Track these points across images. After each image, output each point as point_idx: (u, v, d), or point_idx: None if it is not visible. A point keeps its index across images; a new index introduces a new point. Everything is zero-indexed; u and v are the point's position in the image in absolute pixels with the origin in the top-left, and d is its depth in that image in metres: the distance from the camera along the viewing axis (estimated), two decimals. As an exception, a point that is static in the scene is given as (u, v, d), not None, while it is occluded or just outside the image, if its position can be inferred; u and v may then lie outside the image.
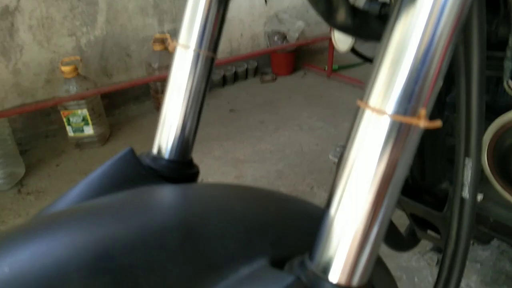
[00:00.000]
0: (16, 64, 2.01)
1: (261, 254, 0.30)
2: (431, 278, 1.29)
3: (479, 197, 0.71)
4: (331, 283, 0.27)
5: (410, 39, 0.24)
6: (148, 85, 2.40)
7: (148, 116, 2.39)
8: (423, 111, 0.24)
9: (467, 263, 1.33)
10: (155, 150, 0.43)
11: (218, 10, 0.40)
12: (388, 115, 0.25)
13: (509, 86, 0.46)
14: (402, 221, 0.95)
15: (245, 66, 2.77)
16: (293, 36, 2.71)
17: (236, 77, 2.77)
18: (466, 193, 0.36)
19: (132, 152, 0.40)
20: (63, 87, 1.93)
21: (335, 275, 0.27)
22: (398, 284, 1.37)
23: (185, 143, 0.43)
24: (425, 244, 1.38)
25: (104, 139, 2.11)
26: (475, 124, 0.33)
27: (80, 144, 2.05)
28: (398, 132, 0.25)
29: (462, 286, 1.26)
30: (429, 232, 0.83)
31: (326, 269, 0.28)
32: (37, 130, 2.17)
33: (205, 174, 1.84)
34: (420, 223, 0.81)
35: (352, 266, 0.27)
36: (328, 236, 0.28)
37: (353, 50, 0.63)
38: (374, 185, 0.26)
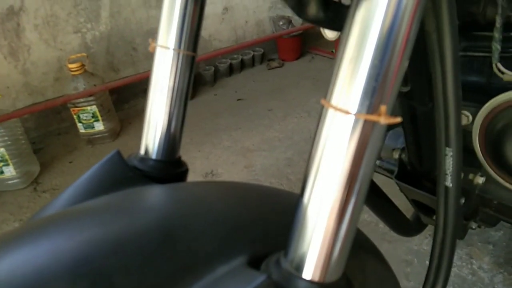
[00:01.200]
0: (24, 64, 2.04)
1: (240, 253, 0.30)
2: (442, 260, 1.28)
3: (481, 180, 0.70)
4: (304, 280, 0.28)
5: (367, 38, 0.24)
6: (155, 78, 2.41)
7: (157, 109, 2.41)
8: (383, 108, 0.24)
9: (479, 244, 1.32)
10: (142, 151, 0.43)
11: (194, 9, 0.40)
12: (350, 113, 0.25)
13: (498, 68, 0.45)
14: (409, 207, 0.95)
15: (251, 53, 2.76)
16: (298, 20, 2.68)
17: (242, 65, 2.76)
18: (449, 182, 0.36)
19: (118, 154, 0.41)
20: (71, 84, 1.96)
21: (308, 272, 0.28)
22: (409, 267, 1.36)
23: (171, 142, 0.43)
24: (436, 226, 1.37)
25: (115, 134, 2.14)
26: (453, 114, 0.33)
27: (92, 140, 2.08)
28: (361, 129, 0.25)
29: (475, 268, 1.25)
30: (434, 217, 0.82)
31: (299, 266, 0.28)
32: (49, 128, 2.21)
33: (215, 164, 1.86)
34: (423, 208, 0.81)
35: (325, 262, 0.28)
36: (301, 234, 0.28)
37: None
38: (341, 182, 0.26)
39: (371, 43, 0.24)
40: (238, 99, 2.43)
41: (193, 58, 0.42)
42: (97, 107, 2.00)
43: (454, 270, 1.24)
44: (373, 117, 0.24)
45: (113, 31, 2.25)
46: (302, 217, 0.28)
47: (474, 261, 1.27)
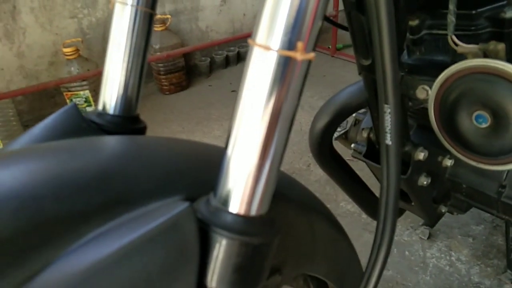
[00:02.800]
0: (20, 47, 2.05)
1: (175, 193, 0.32)
2: (422, 252, 1.29)
3: (449, 162, 0.72)
4: (230, 213, 0.29)
5: None
6: (150, 66, 2.42)
7: (151, 98, 2.42)
8: (300, 44, 0.25)
9: (459, 237, 1.33)
10: (100, 106, 0.44)
11: (153, -34, 0.41)
12: (271, 49, 0.26)
13: (452, 41, 0.46)
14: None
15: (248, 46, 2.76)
16: (296, 15, 2.68)
17: (239, 58, 2.77)
18: (389, 140, 0.37)
19: (75, 107, 0.42)
20: (65, 68, 1.97)
21: (234, 206, 0.29)
22: (389, 257, 1.38)
23: (129, 99, 0.44)
24: (418, 219, 1.38)
25: (107, 119, 2.15)
26: (389, 70, 0.34)
27: (84, 124, 2.09)
28: (282, 66, 0.26)
29: (453, 260, 1.26)
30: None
31: (226, 201, 0.29)
32: (43, 112, 2.22)
33: (204, 152, 1.87)
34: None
35: (249, 197, 0.29)
36: (227, 171, 0.29)
37: (325, 18, 0.63)
38: (264, 118, 0.27)
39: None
40: (233, 91, 2.44)
41: (151, 15, 0.43)
42: (90, 92, 2.01)
43: (432, 261, 1.26)
44: (291, 53, 0.25)
45: (110, 18, 2.25)
46: (229, 155, 0.29)
47: (453, 253, 1.28)
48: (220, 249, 0.28)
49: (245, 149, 0.28)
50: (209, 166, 0.37)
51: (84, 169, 0.31)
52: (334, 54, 2.76)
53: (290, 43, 0.25)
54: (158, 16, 2.32)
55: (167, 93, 2.43)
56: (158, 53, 2.26)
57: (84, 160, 0.32)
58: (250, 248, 0.28)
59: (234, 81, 2.56)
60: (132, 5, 0.41)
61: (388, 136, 0.37)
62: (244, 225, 0.28)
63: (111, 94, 0.44)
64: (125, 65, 0.43)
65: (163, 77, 2.38)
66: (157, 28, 2.26)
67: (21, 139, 0.39)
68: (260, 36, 0.26)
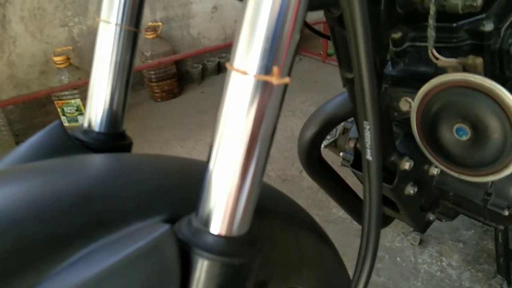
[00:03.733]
0: (10, 56, 2.04)
1: (157, 213, 0.32)
2: (413, 258, 1.30)
3: (435, 171, 0.72)
4: (211, 234, 0.29)
5: (262, 3, 0.25)
6: (142, 73, 2.42)
7: (143, 105, 2.42)
8: (275, 69, 0.26)
9: (450, 243, 1.34)
10: (85, 124, 0.44)
11: (136, -15, 0.42)
12: (248, 74, 0.26)
13: (433, 55, 0.47)
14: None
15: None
16: (287, 21, 2.70)
17: (231, 65, 2.78)
18: (369, 156, 0.38)
19: (60, 125, 0.42)
20: (56, 77, 1.96)
21: (215, 227, 0.29)
22: (380, 263, 1.39)
23: (114, 116, 0.44)
24: (409, 225, 1.39)
25: (99, 128, 2.15)
26: (367, 88, 0.35)
27: (75, 133, 2.09)
28: (259, 90, 0.26)
29: (444, 266, 1.27)
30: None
31: (207, 222, 0.29)
32: (34, 121, 2.21)
33: (196, 160, 1.87)
34: (384, 199, 0.83)
35: (230, 217, 0.29)
36: (208, 191, 0.29)
37: (307, 26, 0.64)
38: (243, 140, 0.28)
39: (266, 6, 0.26)
40: (224, 97, 2.44)
41: (135, 34, 0.43)
42: (82, 100, 2.01)
43: (423, 267, 1.26)
44: (267, 78, 0.26)
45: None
46: (210, 176, 0.29)
47: (444, 259, 1.29)
48: (202, 270, 0.28)
49: (225, 170, 0.29)
50: (192, 183, 0.37)
51: (66, 190, 0.31)
52: (325, 60, 2.77)
53: (266, 68, 0.26)
54: (149, 24, 2.32)
55: (159, 100, 2.44)
56: (150, 61, 2.26)
57: (66, 181, 0.33)
58: (231, 269, 0.29)
59: (226, 87, 2.57)
60: (116, 24, 0.42)
61: (368, 151, 0.38)
62: (225, 245, 0.29)
63: (96, 111, 0.44)
64: (110, 83, 0.43)
65: (155, 84, 2.38)
66: (148, 35, 2.27)
67: (6, 159, 0.39)
68: (237, 61, 0.27)
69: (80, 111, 2.03)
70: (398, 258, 1.30)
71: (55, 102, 2.01)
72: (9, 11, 1.96)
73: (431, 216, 0.82)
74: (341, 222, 1.46)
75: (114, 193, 0.32)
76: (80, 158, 0.38)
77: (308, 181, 1.69)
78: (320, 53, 2.81)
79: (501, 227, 0.87)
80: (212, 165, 0.29)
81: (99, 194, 0.32)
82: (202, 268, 0.28)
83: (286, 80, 0.26)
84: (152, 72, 2.34)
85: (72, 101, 2.00)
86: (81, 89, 2.00)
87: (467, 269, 1.24)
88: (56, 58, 1.94)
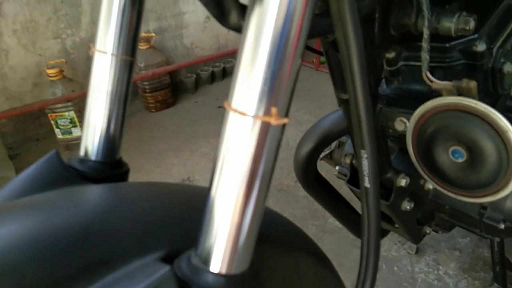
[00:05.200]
0: (2, 69, 2.03)
1: (156, 249, 0.32)
2: (410, 267, 1.30)
3: (431, 185, 0.73)
4: (211, 273, 0.29)
5: (260, 44, 0.26)
6: (136, 84, 2.42)
7: (137, 116, 2.42)
8: (274, 110, 0.26)
9: (446, 251, 1.35)
10: (82, 152, 0.44)
11: (132, 15, 0.41)
12: (247, 115, 0.26)
13: (427, 77, 0.48)
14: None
15: (233, 61, 2.78)
16: (280, 30, 2.71)
17: (224, 73, 2.79)
18: (367, 183, 0.38)
19: (56, 155, 0.42)
20: (49, 90, 1.95)
21: (215, 265, 0.29)
22: (378, 273, 1.39)
23: (110, 144, 0.44)
24: (405, 233, 1.40)
25: (93, 139, 2.14)
26: (364, 120, 0.35)
27: (70, 146, 2.08)
28: (257, 130, 0.27)
29: (441, 274, 1.27)
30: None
31: (207, 260, 0.29)
32: (27, 134, 2.20)
33: (192, 171, 1.87)
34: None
35: (230, 255, 0.29)
36: (208, 230, 0.29)
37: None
38: (242, 179, 0.28)
39: (264, 48, 0.26)
40: (219, 107, 2.45)
41: (131, 62, 0.43)
42: (75, 112, 2.00)
43: (421, 276, 1.27)
44: (265, 118, 0.26)
45: (94, 37, 2.25)
46: (209, 214, 0.29)
47: (440, 267, 1.29)
48: (202, 309, 0.28)
49: (225, 208, 0.29)
50: (190, 215, 0.37)
51: (64, 228, 0.31)
52: (319, 68, 2.79)
53: (265, 109, 0.26)
54: (143, 34, 2.32)
55: (153, 110, 2.43)
56: (143, 72, 2.26)
57: (64, 218, 0.32)
58: (232, 307, 0.29)
59: (220, 96, 2.57)
60: (112, 54, 0.42)
61: (366, 179, 0.38)
62: (226, 285, 0.29)
63: (93, 140, 0.44)
64: (106, 112, 0.43)
65: (149, 95, 2.38)
66: (141, 46, 2.26)
67: (3, 192, 0.39)
68: (236, 101, 0.27)
69: (74, 123, 2.02)
70: (395, 268, 1.30)
71: (49, 114, 2.00)
72: (1, 24, 1.95)
73: (427, 229, 0.83)
74: (338, 232, 1.46)
75: (113, 229, 0.32)
76: (76, 191, 0.37)
77: (304, 191, 1.68)
78: (313, 61, 2.82)
79: (498, 239, 0.87)
80: (211, 201, 0.29)
81: (98, 231, 0.32)
82: (202, 307, 0.28)
83: (285, 120, 0.26)
84: (146, 83, 2.34)
85: (66, 113, 1.99)
86: (75, 101, 1.99)
87: (464, 277, 1.25)
88: (49, 71, 1.93)
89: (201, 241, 0.30)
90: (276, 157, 0.29)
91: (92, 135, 0.44)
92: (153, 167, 1.91)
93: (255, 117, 0.26)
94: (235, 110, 0.27)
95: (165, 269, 0.28)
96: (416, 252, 1.35)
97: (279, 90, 0.26)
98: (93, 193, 0.37)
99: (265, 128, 0.27)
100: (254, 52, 0.26)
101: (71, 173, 0.42)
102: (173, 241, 0.33)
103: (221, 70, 2.74)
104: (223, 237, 0.29)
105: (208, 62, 2.69)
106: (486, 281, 1.22)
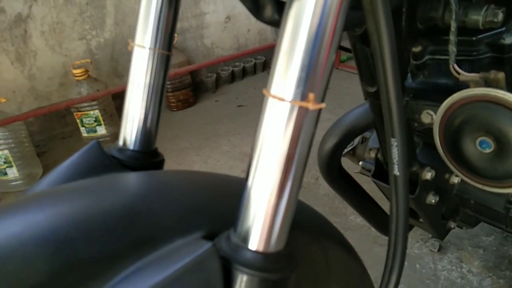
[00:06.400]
0: (31, 69, 2.10)
1: (197, 229, 0.34)
2: (432, 265, 1.29)
3: (456, 179, 0.73)
4: (250, 250, 0.31)
5: (298, 33, 0.27)
6: (157, 84, 2.46)
7: (159, 115, 2.46)
8: (311, 95, 0.27)
9: (470, 249, 1.34)
10: (120, 142, 0.47)
11: (169, 11, 0.44)
12: (285, 100, 0.28)
13: (454, 69, 0.48)
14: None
15: (253, 61, 2.80)
16: (299, 29, 2.72)
17: (244, 73, 2.81)
18: (396, 171, 0.39)
19: (97, 144, 0.45)
20: (75, 89, 2.01)
21: (253, 243, 0.31)
22: (400, 270, 1.38)
23: (147, 134, 0.46)
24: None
25: (117, 138, 2.18)
26: (394, 107, 0.36)
27: (94, 143, 2.13)
28: (295, 115, 0.28)
29: (464, 272, 1.26)
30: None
31: (245, 239, 0.31)
32: (54, 132, 2.27)
33: (213, 169, 1.89)
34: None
35: (268, 234, 0.31)
36: (246, 209, 0.31)
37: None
38: (279, 162, 0.29)
39: (302, 38, 0.27)
40: (239, 106, 2.47)
41: (167, 56, 0.45)
42: (100, 111, 2.05)
43: (443, 273, 1.26)
44: (303, 104, 0.28)
45: (117, 38, 2.31)
46: (248, 195, 0.31)
47: (464, 265, 1.28)
48: (241, 285, 0.30)
49: (263, 189, 0.30)
50: (227, 199, 0.39)
51: (111, 209, 0.33)
52: (338, 66, 2.78)
53: (302, 95, 0.28)
54: (165, 35, 2.36)
55: (174, 110, 2.47)
56: (165, 71, 2.30)
57: (110, 200, 0.35)
58: (270, 284, 0.30)
59: (240, 96, 2.59)
60: (150, 48, 0.44)
61: (396, 167, 0.39)
62: (264, 261, 0.30)
63: (131, 131, 0.46)
64: (143, 103, 0.45)
65: (171, 94, 2.42)
66: (163, 46, 2.30)
67: (48, 179, 0.42)
68: (274, 87, 0.29)
69: (98, 121, 2.07)
70: (418, 265, 1.30)
71: (74, 113, 2.06)
72: (30, 26, 2.02)
73: (452, 224, 0.83)
74: (359, 229, 1.46)
75: (155, 211, 0.34)
76: (119, 177, 0.40)
77: (324, 189, 1.70)
78: (333, 60, 2.82)
79: (524, 235, 0.86)
80: (250, 183, 0.31)
81: (141, 212, 0.34)
82: (241, 283, 0.30)
83: (322, 105, 0.27)
84: (168, 83, 2.37)
85: (91, 112, 2.05)
86: (100, 100, 2.04)
87: (488, 275, 1.23)
88: (75, 71, 1.99)
89: (240, 221, 0.32)
90: (311, 142, 0.30)
91: (130, 126, 0.46)
92: (176, 164, 1.94)
93: (293, 102, 0.28)
94: (274, 96, 0.28)
95: (207, 245, 0.30)
96: (439, 250, 1.34)
97: (316, 77, 0.28)
98: (134, 179, 0.39)
99: (302, 113, 0.28)
100: (293, 41, 0.28)
101: (111, 161, 0.44)
102: (212, 223, 0.35)
103: (241, 70, 2.77)
104: (260, 217, 0.31)
105: (228, 61, 2.71)
106: None
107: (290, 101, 0.28)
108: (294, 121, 0.28)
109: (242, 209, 0.32)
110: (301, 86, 0.28)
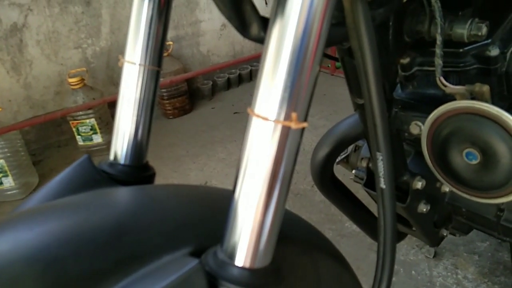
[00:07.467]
0: (26, 78, 2.10)
1: (185, 246, 0.34)
2: (428, 272, 1.30)
3: (447, 188, 0.74)
4: (236, 267, 0.31)
5: (281, 54, 0.28)
6: (153, 92, 2.47)
7: (155, 122, 2.42)
8: (294, 115, 0.28)
9: (465, 255, 1.34)
10: (111, 157, 0.47)
11: (158, 28, 0.44)
12: (268, 119, 0.29)
13: (441, 82, 0.49)
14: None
15: (249, 68, 2.82)
16: (294, 36, 2.73)
17: (240, 80, 2.82)
18: (382, 184, 0.40)
19: (88, 159, 0.45)
20: (70, 98, 2.01)
21: (240, 259, 0.31)
22: (395, 277, 1.39)
23: (138, 149, 0.47)
24: (423, 237, 1.39)
25: (112, 146, 2.19)
26: (379, 124, 0.37)
27: (90, 152, 2.13)
28: (278, 133, 0.29)
29: (460, 278, 1.27)
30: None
31: (232, 255, 0.32)
32: (49, 141, 2.27)
33: (209, 176, 1.90)
34: (398, 216, 0.84)
35: (254, 250, 0.31)
36: (232, 227, 0.32)
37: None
38: (264, 180, 0.30)
39: (285, 57, 0.28)
40: (235, 113, 2.48)
41: (157, 72, 0.46)
42: (96, 120, 2.06)
43: (439, 280, 1.26)
44: (286, 123, 0.28)
45: (113, 46, 2.32)
46: (234, 212, 0.32)
47: (459, 271, 1.28)
48: (228, 301, 0.30)
49: (248, 206, 0.31)
50: (216, 213, 0.39)
51: (99, 226, 0.34)
52: (334, 73, 2.80)
53: (285, 114, 0.28)
54: (160, 43, 2.37)
55: (171, 117, 2.48)
56: (161, 79, 2.31)
57: (99, 217, 0.35)
58: (256, 299, 0.31)
59: (236, 103, 2.60)
60: (140, 64, 0.45)
61: (382, 180, 0.40)
62: (250, 277, 0.31)
63: (122, 145, 0.46)
64: (134, 118, 0.46)
65: (167, 101, 2.42)
66: (159, 54, 2.31)
67: (39, 194, 0.42)
68: (258, 107, 0.29)
69: (94, 130, 2.08)
70: (413, 272, 1.30)
71: (70, 122, 2.06)
72: (26, 35, 2.03)
73: (444, 232, 0.83)
74: (355, 236, 1.47)
75: (144, 227, 0.35)
76: (109, 193, 0.40)
77: (320, 195, 1.69)
78: (328, 66, 2.84)
79: (516, 242, 0.87)
80: (236, 200, 0.31)
81: (130, 229, 0.34)
82: (228, 299, 0.30)
83: (304, 124, 0.28)
84: (164, 90, 2.39)
85: (87, 120, 2.05)
86: (95, 109, 2.04)
87: (483, 281, 1.24)
88: (70, 79, 1.99)
89: (227, 237, 0.32)
90: (295, 159, 0.31)
91: (121, 140, 0.47)
92: (172, 172, 1.95)
93: (276, 121, 0.28)
94: (258, 115, 0.29)
95: (194, 262, 0.30)
96: (434, 256, 1.34)
97: (298, 96, 0.28)
98: (124, 194, 0.39)
99: (285, 132, 0.29)
100: (276, 61, 0.28)
101: (102, 176, 0.45)
102: (199, 238, 0.36)
103: (237, 77, 2.78)
104: (247, 234, 0.31)
105: (224, 69, 2.72)
106: (507, 286, 1.20)
107: (273, 120, 0.29)
108: (277, 139, 0.29)
109: (228, 226, 0.32)
110: (284, 106, 0.28)
